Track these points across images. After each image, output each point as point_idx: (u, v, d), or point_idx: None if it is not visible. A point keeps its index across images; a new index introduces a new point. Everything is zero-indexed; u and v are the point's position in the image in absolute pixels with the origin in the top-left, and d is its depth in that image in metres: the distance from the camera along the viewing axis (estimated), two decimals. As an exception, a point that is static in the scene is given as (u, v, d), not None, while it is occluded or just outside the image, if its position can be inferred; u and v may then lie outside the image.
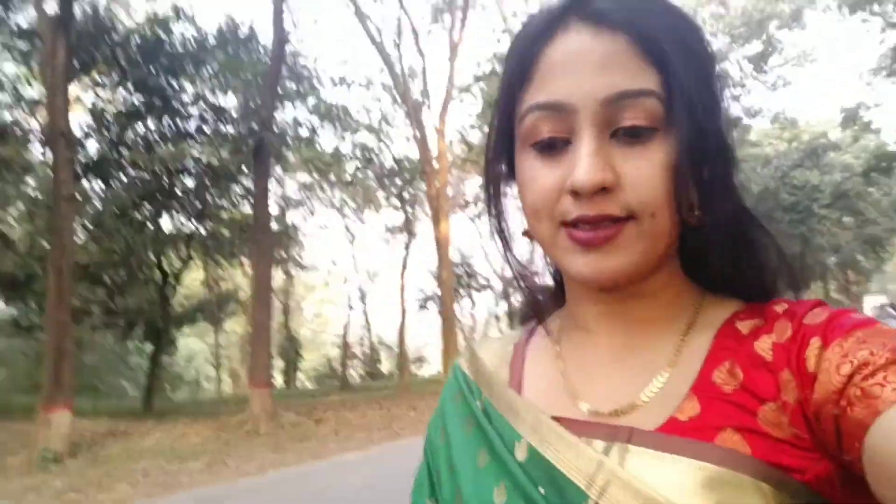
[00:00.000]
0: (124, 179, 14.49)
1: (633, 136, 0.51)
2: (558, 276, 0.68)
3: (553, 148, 0.53)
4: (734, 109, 21.26)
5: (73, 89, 14.26)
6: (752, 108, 21.14)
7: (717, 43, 21.45)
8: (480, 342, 0.75)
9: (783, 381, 0.49)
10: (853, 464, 0.43)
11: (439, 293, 20.07)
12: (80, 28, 11.86)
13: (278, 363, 25.87)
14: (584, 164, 0.50)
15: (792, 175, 23.74)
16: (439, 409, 0.71)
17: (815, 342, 0.48)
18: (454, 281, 21.57)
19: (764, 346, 0.51)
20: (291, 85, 15.37)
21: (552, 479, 0.52)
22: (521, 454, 0.56)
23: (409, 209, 23.05)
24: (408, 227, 23.09)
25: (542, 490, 0.52)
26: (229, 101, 14.80)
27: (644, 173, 0.50)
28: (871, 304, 18.77)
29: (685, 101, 0.50)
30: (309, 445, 10.21)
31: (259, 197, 11.60)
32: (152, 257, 15.73)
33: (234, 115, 14.68)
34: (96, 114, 14.18)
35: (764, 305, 0.55)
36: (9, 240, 12.89)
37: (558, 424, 0.55)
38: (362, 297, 26.95)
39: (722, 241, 0.55)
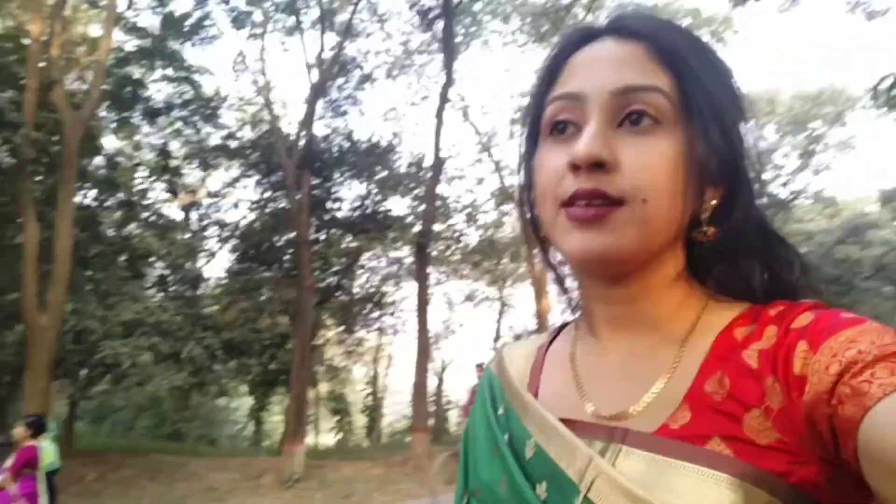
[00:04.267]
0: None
1: (637, 124, 0.55)
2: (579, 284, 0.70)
3: (565, 133, 0.58)
4: (782, 193, 23.92)
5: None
6: (797, 190, 23.87)
7: (765, 132, 24.32)
8: (511, 345, 0.79)
9: (767, 386, 0.50)
10: (849, 463, 0.44)
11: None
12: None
13: (361, 420, 28.28)
14: (584, 139, 0.54)
15: (834, 250, 26.10)
16: (474, 406, 0.76)
17: (802, 345, 0.49)
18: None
19: (751, 353, 0.53)
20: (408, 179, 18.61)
21: (553, 474, 0.57)
22: (529, 452, 0.61)
23: (502, 283, 26.18)
24: (501, 300, 26.24)
25: (543, 485, 0.57)
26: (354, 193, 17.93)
27: (643, 160, 0.54)
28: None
29: (698, 99, 0.53)
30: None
31: (421, 281, 14.63)
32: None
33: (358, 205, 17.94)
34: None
35: (763, 308, 0.56)
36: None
37: (561, 424, 0.59)
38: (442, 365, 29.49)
39: (734, 247, 0.58)
